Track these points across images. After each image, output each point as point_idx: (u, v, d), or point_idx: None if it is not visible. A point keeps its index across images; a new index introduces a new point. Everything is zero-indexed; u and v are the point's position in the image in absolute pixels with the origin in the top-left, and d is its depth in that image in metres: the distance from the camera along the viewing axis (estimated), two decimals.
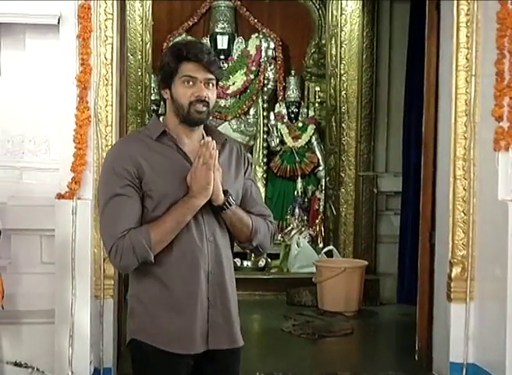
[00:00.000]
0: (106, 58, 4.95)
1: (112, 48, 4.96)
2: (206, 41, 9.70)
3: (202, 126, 2.78)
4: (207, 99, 2.66)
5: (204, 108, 2.67)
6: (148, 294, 2.69)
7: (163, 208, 2.64)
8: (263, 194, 9.18)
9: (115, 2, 4.98)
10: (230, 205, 2.69)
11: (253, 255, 8.40)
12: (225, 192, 2.68)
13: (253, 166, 3.29)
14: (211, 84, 2.69)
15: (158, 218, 2.63)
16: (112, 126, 4.97)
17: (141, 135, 2.74)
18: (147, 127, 2.79)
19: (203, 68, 2.65)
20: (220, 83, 8.17)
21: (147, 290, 2.70)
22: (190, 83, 2.66)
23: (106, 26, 4.96)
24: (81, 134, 4.83)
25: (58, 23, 4.84)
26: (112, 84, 4.96)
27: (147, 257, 2.62)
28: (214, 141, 2.63)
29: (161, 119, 2.79)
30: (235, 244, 2.86)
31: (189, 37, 9.67)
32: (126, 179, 2.63)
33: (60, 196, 4.78)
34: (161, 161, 2.67)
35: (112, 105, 4.97)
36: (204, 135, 2.78)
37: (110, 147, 4.57)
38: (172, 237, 2.64)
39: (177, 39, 9.54)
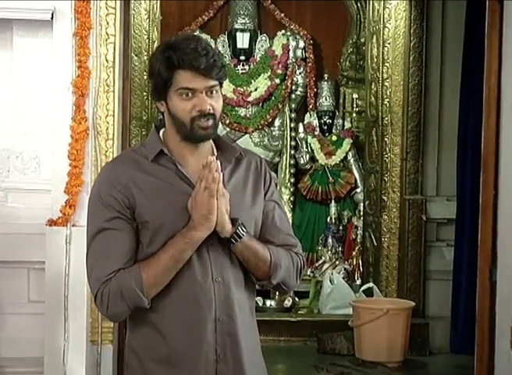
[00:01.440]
0: (107, 60, 5.00)
1: (114, 47, 5.02)
2: (223, 38, 9.77)
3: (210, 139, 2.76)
4: (211, 111, 2.64)
5: (210, 122, 2.64)
6: (143, 344, 2.69)
7: (159, 244, 2.62)
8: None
9: None
10: (240, 237, 2.65)
11: (277, 293, 8.39)
12: (234, 221, 2.64)
13: (277, 186, 3.24)
14: (214, 91, 2.65)
15: (152, 255, 2.62)
16: (113, 139, 5.01)
17: (135, 155, 2.72)
18: (144, 144, 2.77)
19: (201, 76, 2.61)
20: (240, 88, 8.18)
21: (141, 339, 2.70)
22: (189, 95, 2.62)
23: (107, 23, 5.01)
24: (77, 150, 4.86)
25: (52, 18, 4.89)
26: (113, 91, 5.01)
27: (139, 303, 2.60)
28: (218, 162, 2.58)
29: (161, 132, 2.77)
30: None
31: (200, 35, 9.73)
32: (114, 210, 2.62)
33: (52, 222, 4.81)
34: (156, 186, 2.65)
35: (113, 116, 5.01)
36: (214, 149, 2.77)
37: None
38: (169, 277, 2.61)
39: None
